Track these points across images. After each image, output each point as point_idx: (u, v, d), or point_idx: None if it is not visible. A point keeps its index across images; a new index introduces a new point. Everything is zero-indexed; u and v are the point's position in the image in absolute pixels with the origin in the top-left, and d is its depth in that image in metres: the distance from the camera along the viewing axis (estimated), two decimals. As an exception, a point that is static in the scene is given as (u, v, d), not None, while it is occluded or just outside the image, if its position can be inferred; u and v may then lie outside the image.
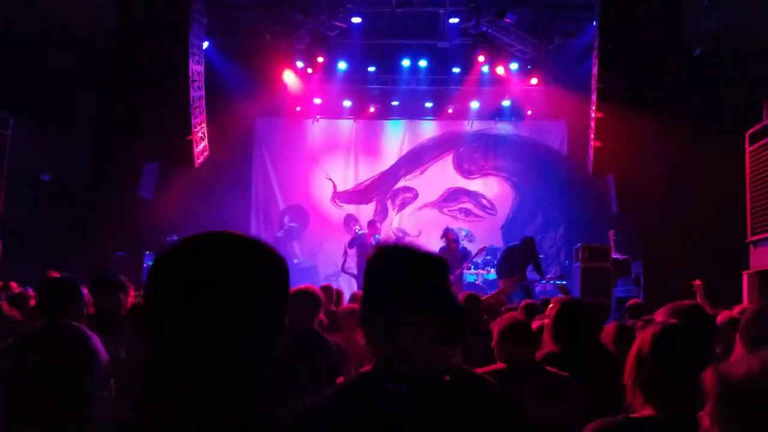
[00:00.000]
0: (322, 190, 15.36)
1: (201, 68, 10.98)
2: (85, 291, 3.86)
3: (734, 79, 9.62)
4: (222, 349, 1.12)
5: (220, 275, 1.14)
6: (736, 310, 5.49)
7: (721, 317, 5.16)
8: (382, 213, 15.25)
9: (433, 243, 13.19)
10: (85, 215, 10.49)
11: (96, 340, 1.79)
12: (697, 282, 6.88)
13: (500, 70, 13.66)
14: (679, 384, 2.08)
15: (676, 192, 10.02)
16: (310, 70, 13.71)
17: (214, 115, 11.65)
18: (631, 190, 10.76)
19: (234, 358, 1.13)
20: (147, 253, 11.36)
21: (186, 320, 1.12)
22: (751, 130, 8.24)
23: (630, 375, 2.27)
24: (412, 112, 15.22)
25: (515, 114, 14.92)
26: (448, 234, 11.70)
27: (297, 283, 12.78)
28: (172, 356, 1.13)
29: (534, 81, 13.95)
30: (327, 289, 6.69)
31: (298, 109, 14.97)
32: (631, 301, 6.93)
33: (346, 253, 12.61)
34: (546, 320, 4.15)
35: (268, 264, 1.21)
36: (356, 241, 12.35)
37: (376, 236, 12.62)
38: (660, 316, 3.40)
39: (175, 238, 12.33)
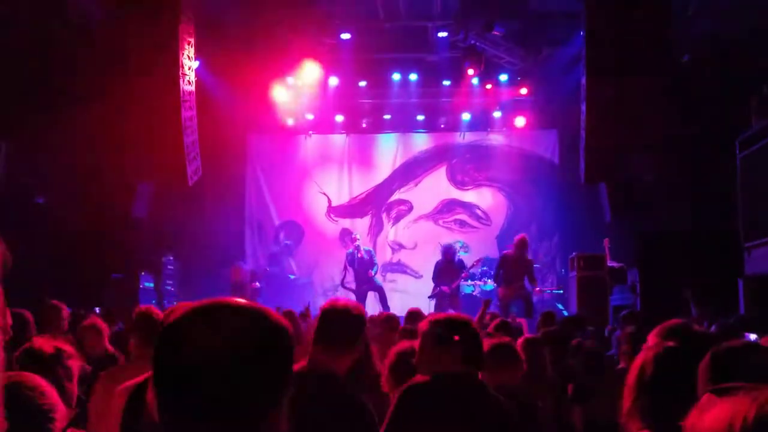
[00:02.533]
0: (316, 205, 15.36)
1: (192, 88, 11.00)
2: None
3: (723, 86, 9.68)
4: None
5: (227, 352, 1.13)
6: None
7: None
8: (377, 226, 15.27)
9: (429, 255, 13.25)
10: (79, 237, 10.45)
11: (52, 392, 1.74)
12: (687, 291, 6.92)
13: (489, 82, 13.74)
14: (675, 408, 2.09)
15: (670, 199, 10.06)
16: (300, 83, 13.74)
17: (207, 134, 11.65)
18: (624, 197, 10.78)
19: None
20: (142, 273, 11.35)
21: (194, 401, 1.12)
22: (740, 137, 8.29)
23: (629, 397, 2.27)
24: (404, 126, 15.26)
25: (506, 124, 14.96)
26: (446, 253, 11.82)
27: (294, 299, 12.74)
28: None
29: (524, 91, 14.04)
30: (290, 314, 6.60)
31: (290, 122, 14.95)
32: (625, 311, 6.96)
33: (345, 268, 12.74)
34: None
35: (273, 335, 1.19)
36: (352, 259, 12.57)
37: (365, 248, 12.74)
38: (652, 338, 3.42)
39: (171, 258, 12.34)
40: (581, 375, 4.58)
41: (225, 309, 1.18)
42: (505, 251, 11.45)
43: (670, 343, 2.58)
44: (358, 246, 12.65)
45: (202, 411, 1.11)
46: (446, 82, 14.24)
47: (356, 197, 15.39)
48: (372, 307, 12.44)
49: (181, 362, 1.13)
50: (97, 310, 6.23)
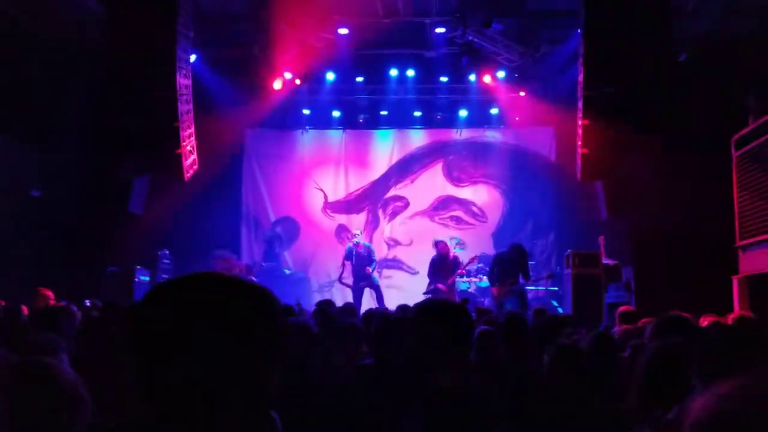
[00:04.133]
0: (312, 201, 15.36)
1: (188, 81, 10.93)
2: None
3: (720, 85, 9.69)
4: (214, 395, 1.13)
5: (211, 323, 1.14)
6: (729, 318, 5.54)
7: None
8: (373, 222, 15.26)
9: (425, 251, 13.23)
10: (75, 231, 10.44)
11: (79, 382, 1.71)
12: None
13: (487, 78, 13.72)
14: (678, 396, 2.11)
15: (665, 197, 10.06)
16: (298, 81, 13.72)
17: (203, 128, 11.60)
18: (620, 195, 10.79)
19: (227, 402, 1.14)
20: (138, 268, 11.33)
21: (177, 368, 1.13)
22: (736, 136, 8.30)
23: (636, 389, 2.30)
24: (401, 122, 15.26)
25: (503, 122, 14.96)
26: (438, 246, 11.77)
27: (289, 295, 12.69)
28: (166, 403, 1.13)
29: (522, 94, 14.05)
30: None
31: (286, 120, 14.95)
32: (622, 308, 6.95)
33: (343, 264, 12.72)
34: None
35: (258, 307, 1.20)
36: (350, 254, 12.51)
37: (365, 244, 12.71)
38: (650, 331, 3.44)
39: (167, 252, 12.33)
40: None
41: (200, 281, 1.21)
42: (500, 251, 11.50)
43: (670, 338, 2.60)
44: (357, 242, 12.61)
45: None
46: (444, 79, 14.23)
47: (352, 193, 15.39)
48: (368, 303, 12.44)
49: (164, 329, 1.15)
50: (87, 302, 6.21)
